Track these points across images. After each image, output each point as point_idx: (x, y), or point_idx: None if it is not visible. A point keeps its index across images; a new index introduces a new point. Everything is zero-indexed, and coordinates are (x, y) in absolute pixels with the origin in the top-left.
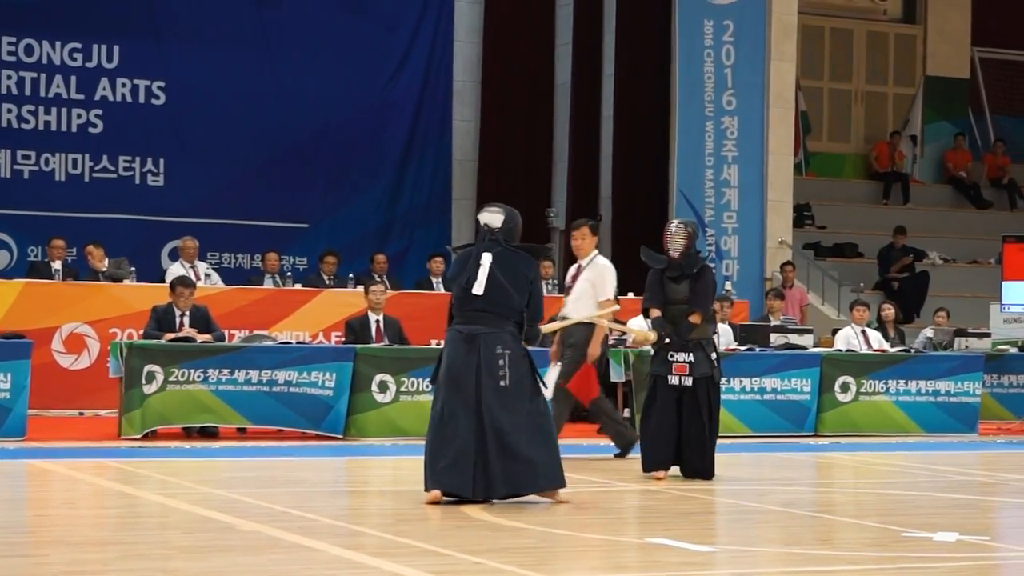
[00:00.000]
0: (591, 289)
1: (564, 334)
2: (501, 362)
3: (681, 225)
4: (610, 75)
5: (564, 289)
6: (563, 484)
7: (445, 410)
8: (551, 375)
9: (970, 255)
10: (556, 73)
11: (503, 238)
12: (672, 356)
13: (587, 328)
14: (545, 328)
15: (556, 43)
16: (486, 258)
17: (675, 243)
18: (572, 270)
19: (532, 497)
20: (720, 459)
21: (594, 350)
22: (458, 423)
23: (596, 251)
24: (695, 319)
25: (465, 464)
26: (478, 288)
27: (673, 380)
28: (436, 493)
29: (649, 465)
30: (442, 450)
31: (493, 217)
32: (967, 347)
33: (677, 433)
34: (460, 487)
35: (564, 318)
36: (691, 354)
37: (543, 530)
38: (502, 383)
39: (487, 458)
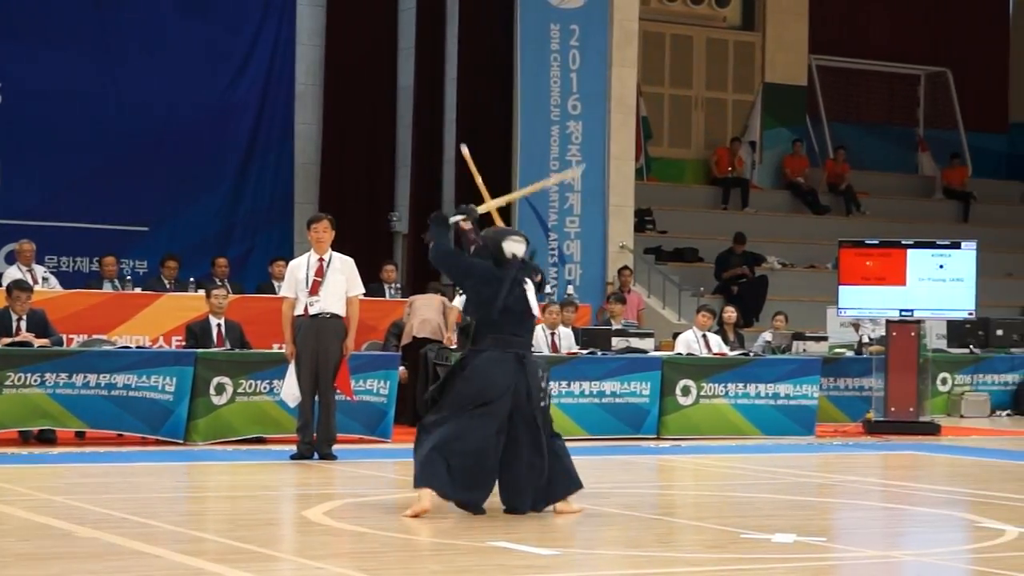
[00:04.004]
0: (345, 283)
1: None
2: (543, 384)
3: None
4: (453, 78)
5: (309, 284)
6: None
7: (499, 427)
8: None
9: (807, 260)
10: (399, 76)
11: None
12: None
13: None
14: None
15: (399, 46)
16: (529, 286)
17: None
18: (314, 264)
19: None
20: None
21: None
22: (519, 446)
23: None
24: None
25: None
26: (536, 312)
27: None
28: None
29: None
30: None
31: (519, 247)
32: (805, 351)
33: None
34: (521, 502)
35: (331, 314)
36: None
37: (387, 535)
38: (543, 403)
39: (550, 469)
